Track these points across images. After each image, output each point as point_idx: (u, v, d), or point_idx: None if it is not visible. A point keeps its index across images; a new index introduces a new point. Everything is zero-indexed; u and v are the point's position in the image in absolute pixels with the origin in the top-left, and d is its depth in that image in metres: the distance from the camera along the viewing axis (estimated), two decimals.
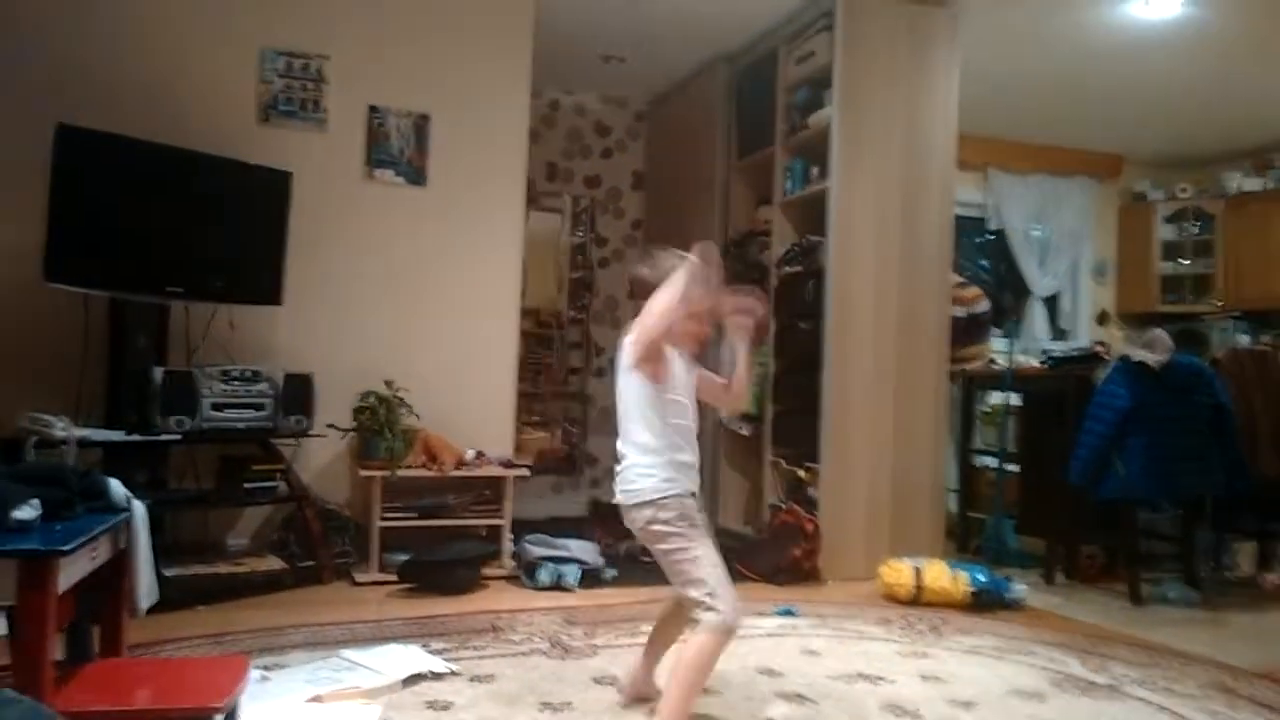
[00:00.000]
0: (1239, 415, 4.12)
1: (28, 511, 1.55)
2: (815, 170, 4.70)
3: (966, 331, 5.06)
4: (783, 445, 4.79)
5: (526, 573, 3.99)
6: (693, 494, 2.33)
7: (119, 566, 1.88)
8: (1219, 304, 7.04)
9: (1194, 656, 3.21)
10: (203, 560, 3.72)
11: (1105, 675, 2.98)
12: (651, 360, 2.29)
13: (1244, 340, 6.47)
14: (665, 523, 2.27)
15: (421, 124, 4.53)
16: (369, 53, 4.43)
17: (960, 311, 4.98)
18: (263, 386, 3.77)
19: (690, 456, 2.34)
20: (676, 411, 2.34)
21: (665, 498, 2.27)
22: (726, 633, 2.20)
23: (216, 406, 3.64)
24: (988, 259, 5.31)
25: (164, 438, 3.50)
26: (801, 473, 4.59)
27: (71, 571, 1.59)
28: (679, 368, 2.37)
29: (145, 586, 1.90)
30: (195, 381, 3.59)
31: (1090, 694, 2.81)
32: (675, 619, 2.45)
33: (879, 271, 4.47)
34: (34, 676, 1.47)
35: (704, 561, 2.25)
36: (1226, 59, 5.26)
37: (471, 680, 2.72)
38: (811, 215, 4.73)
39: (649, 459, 2.30)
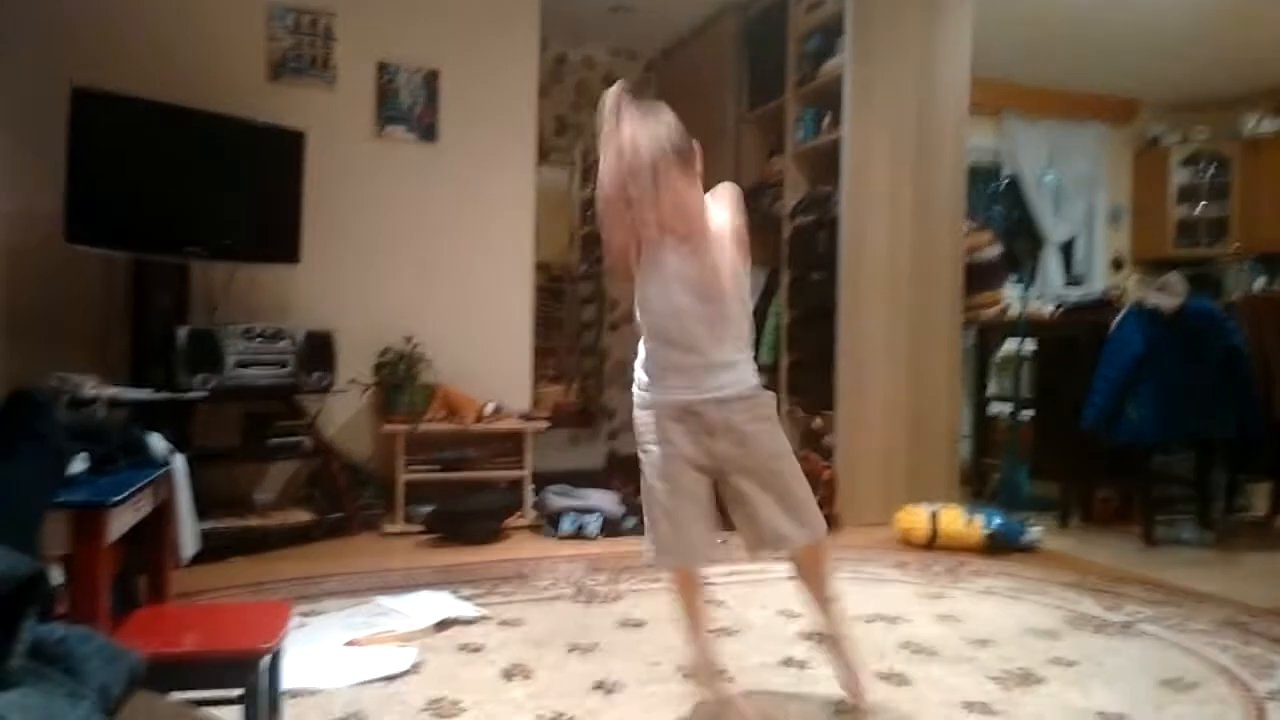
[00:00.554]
0: (1253, 358, 4.13)
1: (78, 465, 1.61)
2: (827, 119, 4.68)
3: (980, 277, 5.06)
4: (798, 394, 4.83)
5: (549, 522, 4.07)
6: (698, 401, 1.99)
7: (161, 518, 1.94)
8: (1235, 247, 7.01)
9: (1207, 595, 3.27)
10: (234, 514, 3.80)
11: (1119, 614, 3.04)
12: (616, 268, 2.06)
13: (1259, 283, 6.45)
14: (637, 429, 2.08)
15: (431, 80, 4.53)
16: (377, 8, 4.42)
17: (974, 257, 4.98)
18: (284, 344, 3.82)
19: (689, 356, 1.99)
20: (661, 304, 1.99)
21: (638, 398, 2.08)
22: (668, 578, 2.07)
23: (240, 364, 3.69)
24: (1001, 205, 5.29)
25: (190, 395, 3.56)
26: (817, 421, 4.64)
27: (119, 523, 1.65)
28: (666, 253, 1.98)
29: (188, 536, 1.96)
30: (219, 340, 3.64)
31: (1104, 632, 2.87)
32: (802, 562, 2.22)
33: (892, 220, 4.47)
34: (90, 623, 1.53)
35: (652, 494, 2.04)
36: None
37: (501, 624, 2.80)
38: (824, 165, 4.72)
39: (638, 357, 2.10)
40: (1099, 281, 7.10)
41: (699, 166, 1.98)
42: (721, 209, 2.02)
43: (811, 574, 2.21)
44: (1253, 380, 4.10)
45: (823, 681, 2.35)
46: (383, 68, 4.44)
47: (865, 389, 4.42)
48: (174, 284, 3.77)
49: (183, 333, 3.56)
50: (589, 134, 6.26)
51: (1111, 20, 5.54)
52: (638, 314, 2.03)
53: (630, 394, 2.12)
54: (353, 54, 4.37)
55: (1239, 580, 3.51)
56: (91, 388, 3.19)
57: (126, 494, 1.62)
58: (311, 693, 2.24)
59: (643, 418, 2.05)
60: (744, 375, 2.04)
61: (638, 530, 4.09)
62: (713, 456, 2.02)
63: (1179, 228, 7.25)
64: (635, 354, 2.10)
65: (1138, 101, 7.33)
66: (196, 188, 3.74)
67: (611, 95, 1.92)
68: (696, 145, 1.99)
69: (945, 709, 2.25)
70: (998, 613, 3.05)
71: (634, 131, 1.87)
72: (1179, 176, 7.25)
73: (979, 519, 3.92)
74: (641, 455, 2.06)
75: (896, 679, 2.43)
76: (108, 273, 3.73)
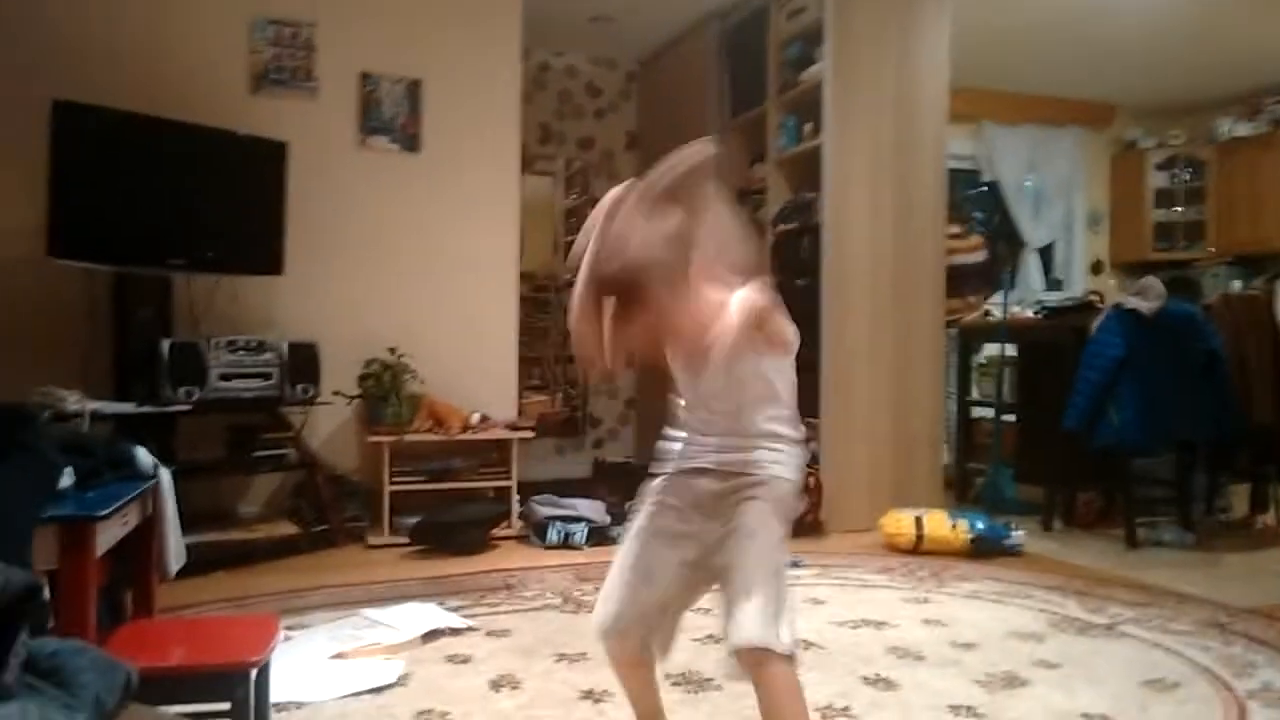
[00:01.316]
0: (1231, 360, 4.18)
1: (65, 479, 1.61)
2: (808, 126, 4.71)
3: (965, 281, 5.11)
4: None
5: (536, 532, 4.07)
6: (691, 470, 1.72)
7: (147, 531, 1.94)
8: (1211, 250, 7.09)
9: (1189, 596, 3.30)
10: (217, 528, 3.78)
11: (1102, 616, 3.07)
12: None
13: (1236, 285, 6.52)
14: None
15: (414, 90, 4.54)
16: (358, 19, 4.42)
17: (961, 260, 5.03)
18: (269, 356, 3.81)
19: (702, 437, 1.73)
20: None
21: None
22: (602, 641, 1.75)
23: (224, 376, 3.68)
24: (982, 210, 5.35)
25: (174, 408, 3.55)
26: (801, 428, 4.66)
27: (107, 536, 1.65)
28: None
29: (174, 549, 1.96)
30: (202, 352, 3.63)
31: (1088, 633, 2.89)
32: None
33: (874, 226, 4.50)
34: (78, 637, 1.52)
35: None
36: (1216, 4, 5.26)
37: (488, 635, 2.80)
38: (806, 171, 4.75)
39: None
40: (1078, 285, 7.17)
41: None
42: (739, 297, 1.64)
43: (764, 707, 1.59)
44: (1231, 382, 4.15)
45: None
46: (365, 78, 4.44)
47: (850, 395, 4.45)
48: (157, 297, 3.75)
49: (166, 345, 3.55)
50: (572, 142, 6.29)
51: (1087, 27, 5.61)
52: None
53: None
54: (334, 65, 4.37)
55: (1220, 581, 3.55)
56: (75, 402, 3.18)
57: (114, 507, 1.62)
58: (299, 705, 2.23)
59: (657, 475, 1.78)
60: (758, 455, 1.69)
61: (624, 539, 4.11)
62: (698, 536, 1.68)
63: (1157, 231, 7.33)
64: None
65: (1114, 106, 7.42)
66: (179, 200, 3.73)
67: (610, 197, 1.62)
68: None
69: (931, 712, 2.26)
70: (983, 616, 3.07)
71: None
72: (1156, 180, 7.34)
73: (963, 523, 3.95)
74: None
75: (883, 683, 2.44)
76: (90, 286, 3.71)
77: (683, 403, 1.74)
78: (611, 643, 1.75)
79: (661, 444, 1.80)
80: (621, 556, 1.73)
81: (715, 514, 1.67)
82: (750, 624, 1.54)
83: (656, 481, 1.76)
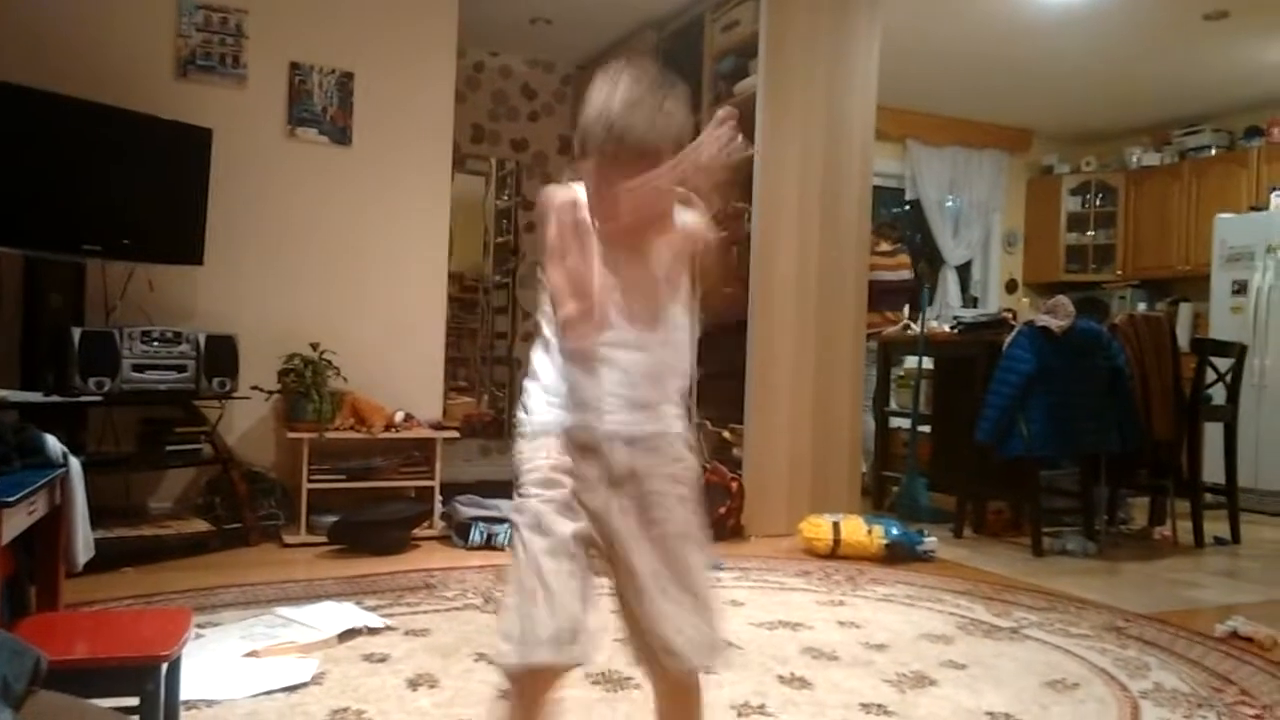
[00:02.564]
0: (1134, 378, 4.38)
1: None
2: (740, 138, 4.77)
3: (893, 297, 5.25)
4: (708, 407, 4.91)
5: (458, 532, 4.04)
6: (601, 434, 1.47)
7: (55, 522, 1.88)
8: (1119, 273, 7.40)
9: (1089, 602, 3.44)
10: (126, 523, 3.66)
11: (1008, 620, 3.18)
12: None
13: (1141, 307, 6.82)
14: (520, 465, 1.49)
15: (345, 82, 4.47)
16: (290, 8, 4.35)
17: (888, 277, 5.16)
18: (184, 348, 3.71)
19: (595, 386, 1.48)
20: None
21: (529, 425, 1.51)
22: (515, 682, 1.43)
23: (137, 368, 3.58)
24: (905, 228, 5.52)
25: (84, 399, 3.43)
26: (727, 434, 4.72)
27: (12, 525, 1.60)
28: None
29: (82, 541, 1.90)
30: (115, 342, 3.52)
31: (993, 636, 3.00)
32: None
33: (801, 238, 4.59)
34: None
35: (524, 557, 1.43)
36: (1130, 40, 5.52)
37: (406, 634, 2.77)
38: (737, 183, 4.82)
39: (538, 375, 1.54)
40: (994, 302, 7.41)
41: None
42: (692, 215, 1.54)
43: None
44: (1134, 398, 4.34)
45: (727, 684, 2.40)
46: (295, 68, 4.36)
47: (773, 402, 4.52)
48: (69, 283, 3.63)
49: (77, 334, 3.43)
50: (505, 142, 6.27)
51: (1008, 55, 5.82)
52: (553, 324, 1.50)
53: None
54: (264, 53, 4.28)
55: (1118, 588, 3.71)
56: None
57: (21, 495, 1.57)
58: (210, 703, 2.19)
59: (529, 450, 1.49)
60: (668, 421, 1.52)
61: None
62: (607, 516, 1.47)
63: (1068, 253, 7.62)
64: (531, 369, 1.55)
65: (1032, 132, 7.69)
66: (95, 184, 3.61)
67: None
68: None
69: (844, 710, 2.32)
70: (895, 619, 3.15)
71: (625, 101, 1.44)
72: (1069, 204, 7.62)
73: (879, 529, 4.05)
74: (517, 502, 1.47)
75: (798, 682, 2.49)
76: None
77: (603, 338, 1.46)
78: (543, 673, 1.42)
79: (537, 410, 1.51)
80: (540, 560, 1.40)
81: (627, 486, 1.48)
82: (716, 635, 1.51)
83: (545, 450, 1.47)
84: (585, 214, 1.46)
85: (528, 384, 1.53)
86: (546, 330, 1.51)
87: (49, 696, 0.92)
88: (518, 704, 1.43)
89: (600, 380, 1.46)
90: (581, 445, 1.46)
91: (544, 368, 1.51)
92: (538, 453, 1.47)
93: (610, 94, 1.43)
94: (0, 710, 0.79)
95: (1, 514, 1.51)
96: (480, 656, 2.59)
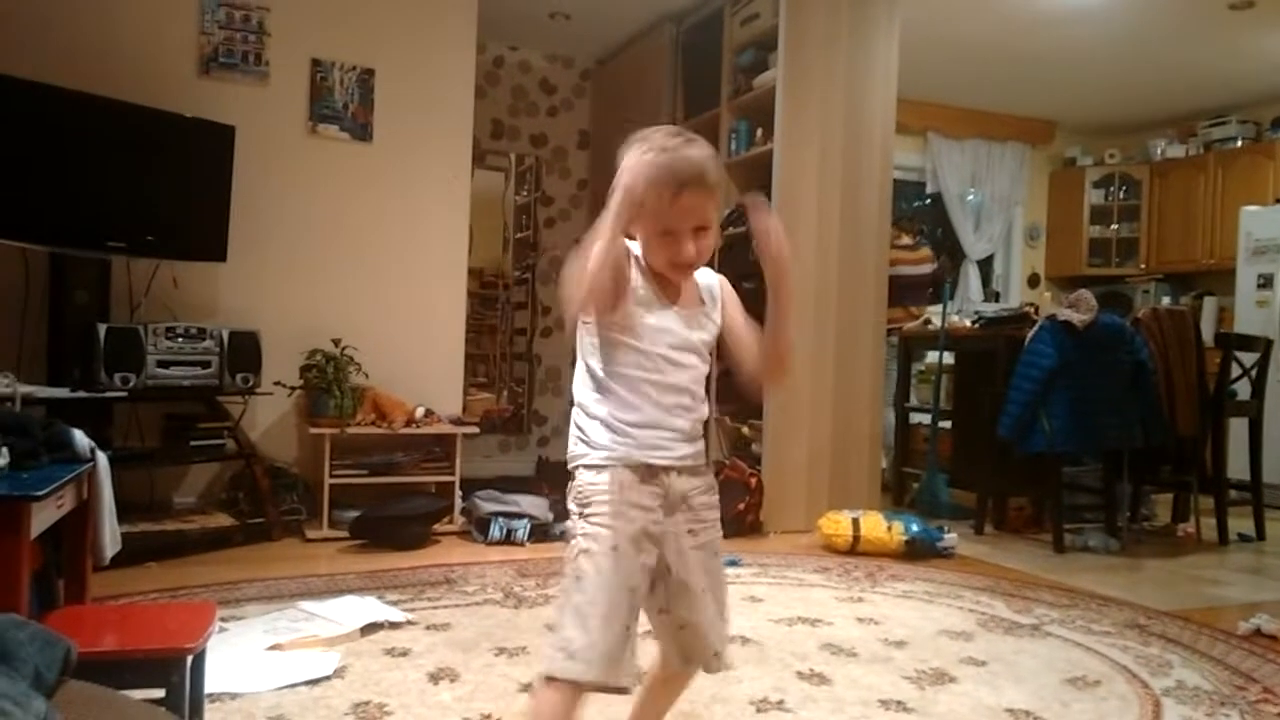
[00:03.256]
0: (1157, 373, 4.34)
1: (0, 459, 1.57)
2: (760, 131, 4.77)
3: (915, 291, 5.22)
4: (727, 403, 4.91)
5: (478, 528, 4.06)
6: (662, 468, 1.56)
7: (82, 516, 1.90)
8: (1143, 267, 7.33)
9: (1111, 599, 3.42)
10: (151, 518, 3.71)
11: (1029, 616, 3.16)
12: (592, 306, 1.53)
13: (1165, 301, 6.75)
14: (581, 499, 1.57)
15: (366, 78, 4.50)
16: (311, 4, 4.38)
17: (909, 271, 5.14)
18: (208, 344, 3.75)
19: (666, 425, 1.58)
20: (645, 365, 1.56)
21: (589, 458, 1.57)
22: (558, 691, 1.51)
23: (162, 364, 3.62)
24: (925, 222, 5.49)
25: (109, 394, 3.47)
26: (745, 429, 4.72)
27: (41, 518, 1.62)
28: (660, 314, 1.58)
29: (109, 535, 1.92)
30: (140, 338, 3.56)
31: (1014, 633, 2.98)
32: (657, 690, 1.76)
33: (820, 232, 4.58)
34: None
35: (585, 580, 1.51)
36: (1154, 30, 5.45)
37: (428, 629, 2.79)
38: (756, 176, 4.81)
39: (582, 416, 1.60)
40: (1015, 297, 7.36)
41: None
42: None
43: (665, 704, 1.79)
44: (1157, 394, 4.30)
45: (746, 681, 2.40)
46: (316, 64, 4.39)
47: (792, 398, 4.51)
48: (94, 280, 3.67)
49: (102, 330, 3.47)
50: (525, 137, 6.29)
51: (1030, 46, 5.77)
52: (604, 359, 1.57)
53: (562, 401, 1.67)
54: (286, 49, 4.31)
55: (1140, 585, 3.69)
56: (5, 385, 3.09)
57: (50, 488, 1.59)
58: (234, 696, 2.21)
59: (598, 482, 1.55)
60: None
61: (566, 536, 4.12)
62: (665, 540, 1.57)
63: (1091, 246, 7.55)
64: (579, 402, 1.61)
65: (1055, 124, 7.62)
66: (120, 182, 3.65)
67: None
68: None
69: (863, 707, 2.32)
70: (914, 615, 3.15)
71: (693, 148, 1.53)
72: (1092, 197, 7.55)
73: (899, 525, 4.04)
74: (588, 529, 1.54)
75: (817, 678, 2.49)
76: (25, 267, 3.62)
77: (647, 375, 1.56)
78: (579, 692, 1.51)
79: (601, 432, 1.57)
80: (604, 584, 1.50)
81: (680, 514, 1.60)
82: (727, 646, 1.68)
83: (610, 483, 1.54)
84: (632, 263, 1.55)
85: (580, 419, 1.60)
86: (593, 363, 1.58)
87: (79, 686, 0.94)
88: (556, 711, 1.51)
89: (656, 412, 1.56)
90: (644, 475, 1.55)
91: (594, 401, 1.58)
92: (608, 485, 1.54)
93: (661, 143, 1.49)
94: (34, 698, 0.81)
95: (30, 508, 1.53)
96: (501, 651, 2.61)
